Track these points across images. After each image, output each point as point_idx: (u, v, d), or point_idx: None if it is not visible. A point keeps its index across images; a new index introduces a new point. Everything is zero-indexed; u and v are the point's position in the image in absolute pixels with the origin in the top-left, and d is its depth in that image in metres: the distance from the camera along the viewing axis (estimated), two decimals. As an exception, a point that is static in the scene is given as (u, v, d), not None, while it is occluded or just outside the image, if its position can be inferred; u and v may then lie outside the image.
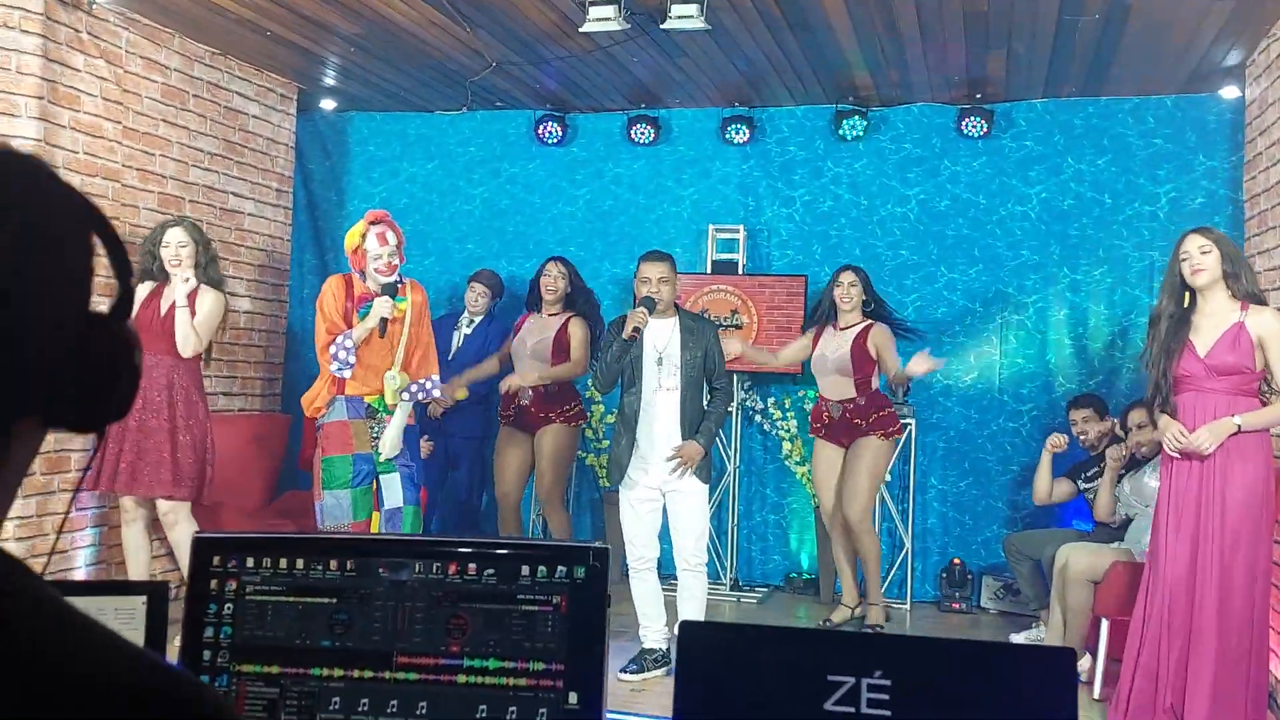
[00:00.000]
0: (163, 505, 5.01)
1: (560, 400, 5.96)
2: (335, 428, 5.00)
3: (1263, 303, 3.98)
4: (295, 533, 1.58)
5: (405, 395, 5.09)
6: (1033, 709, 1.20)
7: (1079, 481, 5.63)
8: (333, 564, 1.39)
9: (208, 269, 5.17)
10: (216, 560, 1.40)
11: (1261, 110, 5.50)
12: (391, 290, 4.95)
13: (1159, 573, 4.01)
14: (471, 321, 6.74)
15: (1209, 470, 3.91)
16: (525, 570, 1.37)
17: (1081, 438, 5.64)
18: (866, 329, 5.73)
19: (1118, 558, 4.84)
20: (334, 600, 1.39)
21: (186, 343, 5.03)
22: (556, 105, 7.22)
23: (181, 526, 5.03)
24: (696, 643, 1.27)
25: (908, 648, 1.26)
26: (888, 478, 6.26)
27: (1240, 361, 3.91)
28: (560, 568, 1.36)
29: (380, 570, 1.39)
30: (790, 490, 7.04)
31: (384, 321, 4.91)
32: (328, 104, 7.37)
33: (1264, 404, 3.93)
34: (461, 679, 1.35)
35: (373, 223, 5.03)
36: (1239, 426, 3.86)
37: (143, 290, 5.14)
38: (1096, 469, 5.51)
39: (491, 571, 1.37)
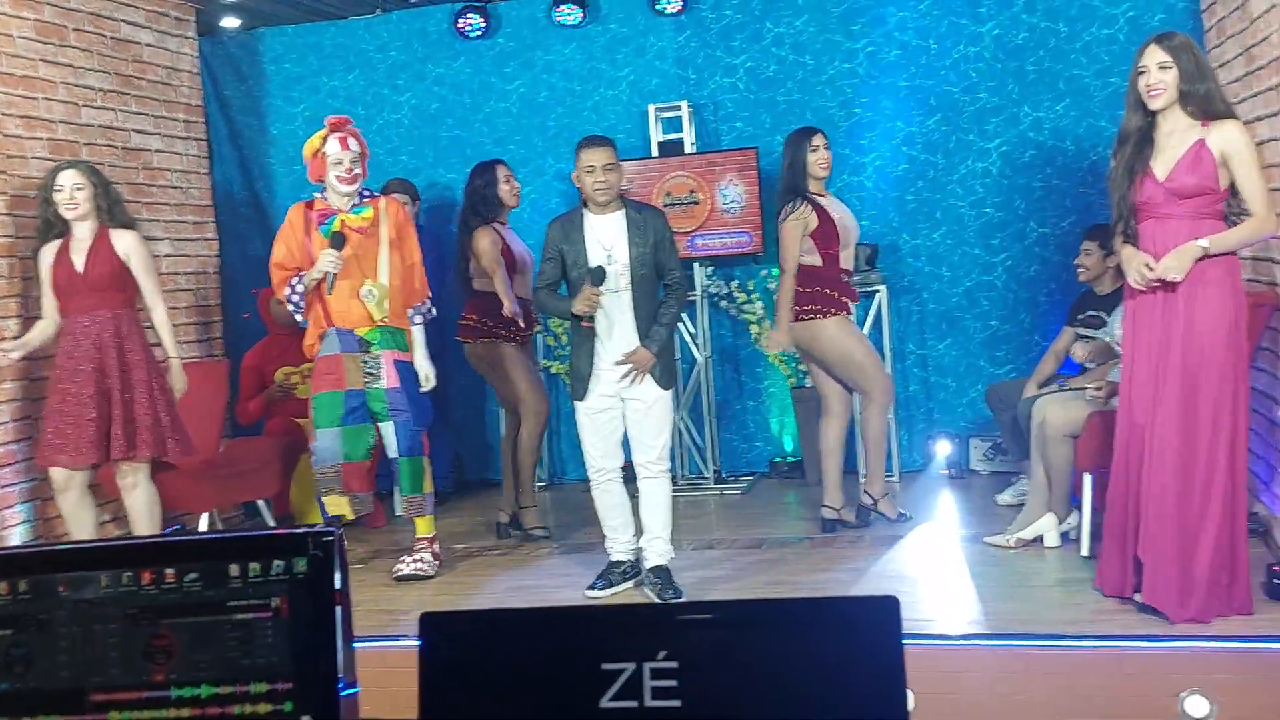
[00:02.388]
0: (121, 467, 4.76)
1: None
2: (326, 362, 4.74)
3: (1229, 116, 3.61)
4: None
5: (415, 317, 4.86)
6: (852, 666, 0.94)
7: (1076, 326, 5.31)
8: (2, 587, 1.12)
9: (112, 211, 4.83)
10: None
11: (1215, -91, 5.06)
12: (339, 241, 4.62)
13: (1124, 419, 3.75)
14: None
15: (1173, 303, 3.61)
16: (234, 570, 1.09)
17: (1082, 272, 5.30)
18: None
19: (1095, 408, 4.57)
20: (9, 631, 1.11)
21: (158, 309, 4.91)
22: (474, -5, 6.76)
23: (141, 489, 4.79)
24: (441, 638, 1.00)
25: (695, 620, 0.99)
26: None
27: (1202, 183, 3.57)
28: (276, 562, 1.08)
29: (60, 589, 1.11)
30: (766, 375, 6.78)
31: (332, 276, 4.61)
32: (230, 22, 6.92)
33: (1224, 223, 3.61)
34: (170, 713, 1.08)
35: (335, 127, 4.72)
36: (1205, 249, 3.54)
37: (48, 254, 4.81)
38: (1093, 312, 5.20)
39: (194, 576, 1.10)
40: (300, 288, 4.70)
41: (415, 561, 4.86)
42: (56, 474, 4.76)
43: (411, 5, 6.86)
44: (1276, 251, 4.25)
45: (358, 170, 4.72)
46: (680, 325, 6.50)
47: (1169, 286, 3.60)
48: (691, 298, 6.49)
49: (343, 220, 4.68)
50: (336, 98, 7.11)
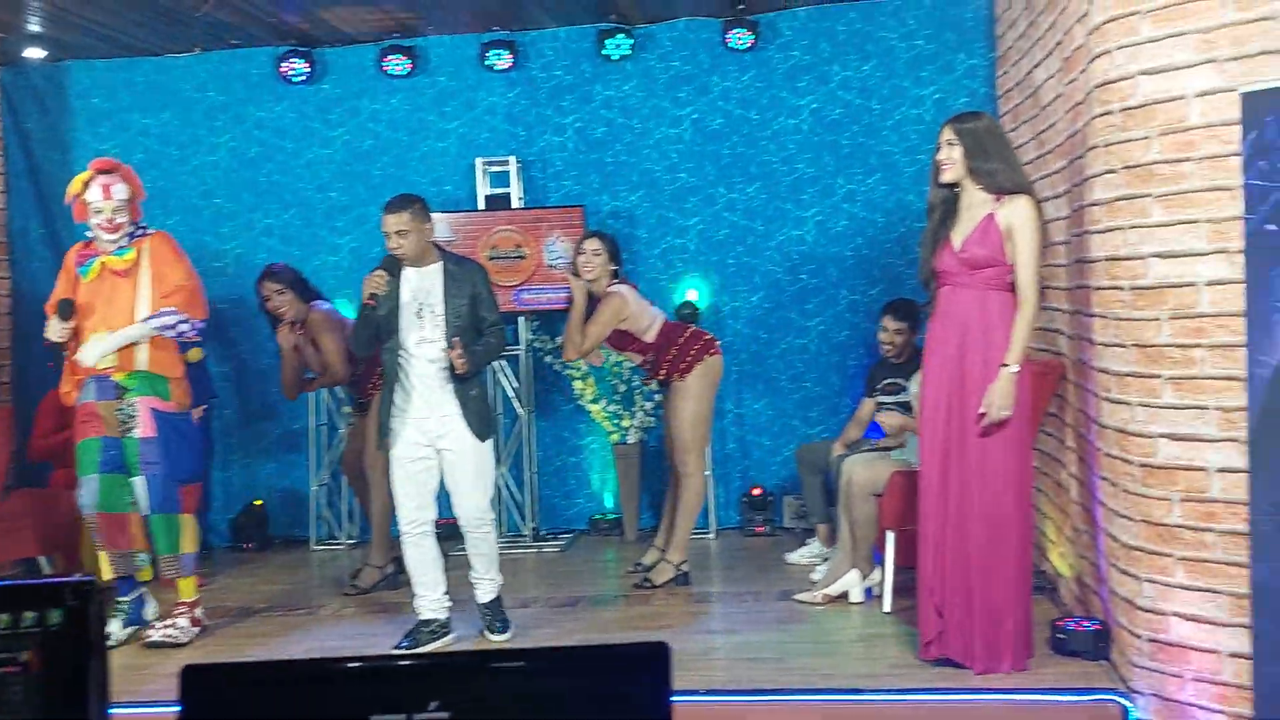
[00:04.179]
0: None
1: None
2: (84, 409, 4.53)
3: (1023, 192, 3.86)
4: None
5: (152, 323, 4.51)
6: (621, 712, 0.95)
7: (875, 395, 5.52)
8: None
9: None
10: None
11: (1009, 4, 5.44)
12: (67, 311, 4.45)
13: (922, 479, 3.93)
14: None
15: (958, 367, 3.84)
16: (-18, 621, 1.02)
17: (886, 348, 5.49)
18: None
19: (897, 468, 4.77)
20: None
21: None
22: (300, 40, 6.66)
23: None
24: (203, 694, 0.96)
25: (466, 670, 0.98)
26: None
27: (991, 255, 3.81)
28: (27, 614, 1.02)
29: None
30: (588, 431, 6.80)
31: (57, 344, 4.50)
32: (35, 53, 6.60)
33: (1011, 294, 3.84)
34: (-101, 777, 1.00)
35: (101, 171, 4.51)
36: (1013, 369, 3.76)
37: None
38: (890, 380, 5.41)
39: (-63, 627, 1.02)
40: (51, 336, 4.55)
41: (166, 627, 4.59)
42: None
43: (232, 45, 6.70)
44: (1061, 323, 4.54)
45: (120, 219, 4.53)
46: (503, 380, 6.49)
47: (964, 355, 3.81)
48: (515, 351, 6.49)
49: (103, 263, 4.53)
50: (149, 136, 6.87)
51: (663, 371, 5.28)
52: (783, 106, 6.50)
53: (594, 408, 6.62)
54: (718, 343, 5.40)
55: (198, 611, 4.72)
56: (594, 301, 5.27)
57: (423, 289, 4.42)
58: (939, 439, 3.88)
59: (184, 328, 4.59)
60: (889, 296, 5.88)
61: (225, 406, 6.71)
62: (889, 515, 4.67)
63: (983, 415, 3.76)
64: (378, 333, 4.44)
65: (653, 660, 0.96)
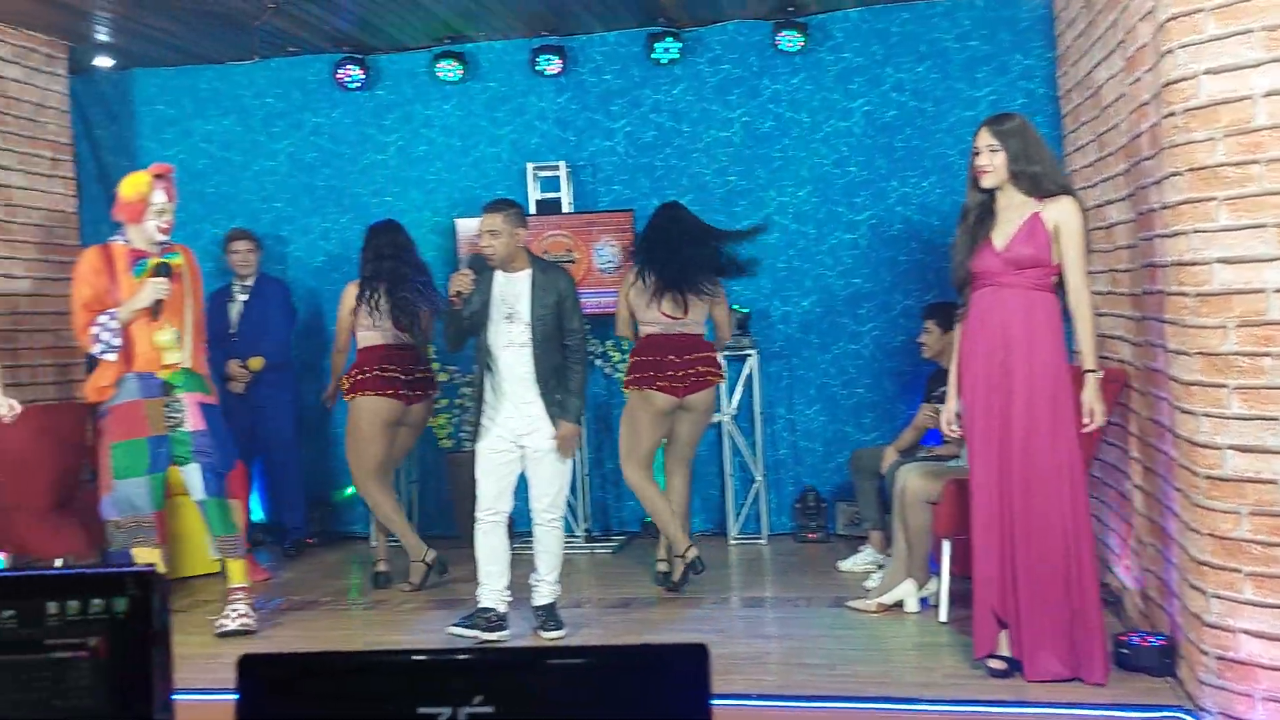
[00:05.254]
0: None
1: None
2: (125, 409, 4.59)
3: (1066, 193, 3.82)
4: None
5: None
6: (660, 713, 0.95)
7: (933, 402, 5.49)
8: None
9: None
10: None
11: (1067, 4, 5.36)
12: (166, 270, 4.56)
13: (974, 484, 3.88)
14: (246, 288, 6.33)
15: (1003, 371, 3.79)
16: (52, 608, 1.04)
17: (926, 351, 5.53)
18: None
19: (954, 476, 4.71)
20: None
21: None
22: (355, 47, 6.74)
23: None
24: (257, 681, 0.97)
25: (511, 665, 0.98)
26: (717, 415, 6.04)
27: (1037, 255, 3.77)
28: (95, 601, 1.04)
29: None
30: (638, 433, 6.79)
31: (159, 303, 4.55)
32: (104, 62, 6.75)
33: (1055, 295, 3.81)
34: (-26, 757, 1.02)
35: (158, 175, 4.65)
36: (1096, 373, 3.77)
37: None
38: (944, 388, 5.37)
39: (11, 613, 1.05)
40: (114, 324, 4.59)
41: (241, 616, 4.73)
42: None
43: (290, 53, 6.80)
44: (1124, 330, 4.46)
45: (173, 221, 4.73)
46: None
47: (1008, 357, 3.77)
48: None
49: (158, 264, 4.63)
50: (211, 142, 6.99)
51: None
52: (834, 109, 6.47)
53: (645, 412, 6.62)
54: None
55: (252, 596, 4.86)
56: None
57: (511, 294, 4.57)
58: (991, 444, 3.82)
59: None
60: (945, 300, 5.82)
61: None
62: (945, 524, 4.62)
63: (1053, 419, 3.72)
64: (464, 331, 4.64)
65: (692, 662, 0.96)
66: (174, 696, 1.05)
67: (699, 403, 5.33)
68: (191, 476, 4.67)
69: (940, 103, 6.33)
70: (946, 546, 4.60)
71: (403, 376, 5.50)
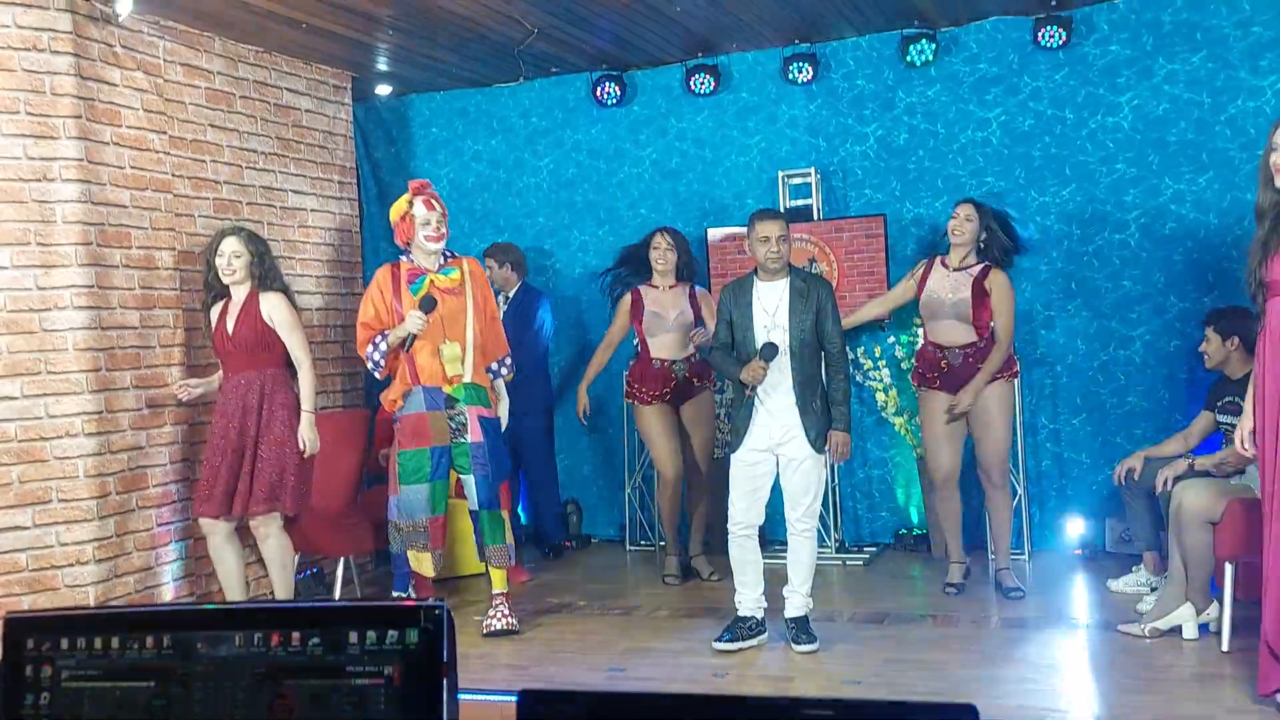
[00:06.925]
0: (253, 520, 5.02)
1: (703, 367, 5.87)
2: (412, 420, 4.93)
3: None
4: (110, 608, 1.42)
5: (501, 370, 5.11)
6: None
7: (1215, 412, 5.18)
8: (149, 642, 1.23)
9: (265, 277, 5.09)
10: (31, 643, 1.25)
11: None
12: (430, 304, 4.84)
13: (1266, 510, 3.60)
14: (506, 298, 6.63)
15: None
16: (353, 637, 1.18)
17: (1207, 359, 5.21)
18: (986, 269, 5.41)
19: (1237, 494, 4.40)
20: (152, 684, 1.22)
21: (302, 366, 5.07)
22: (613, 64, 6.97)
23: (272, 540, 5.04)
24: (536, 716, 1.06)
25: (777, 712, 1.02)
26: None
27: None
28: (391, 632, 1.16)
29: (200, 646, 1.22)
30: (892, 443, 6.70)
31: (412, 336, 4.85)
32: (383, 89, 7.28)
33: None
34: (288, 769, 1.17)
35: (416, 191, 4.96)
36: None
37: (214, 314, 5.12)
38: (1230, 398, 5.04)
39: (317, 640, 1.19)
40: (384, 346, 4.90)
41: (507, 617, 4.98)
42: (203, 520, 5.03)
43: (552, 73, 7.10)
44: None
45: (444, 229, 4.94)
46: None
47: None
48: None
49: (432, 281, 4.89)
50: (479, 161, 7.40)
51: None
52: (1100, 104, 6.15)
53: (897, 420, 6.53)
54: None
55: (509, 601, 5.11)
56: None
57: (771, 303, 4.65)
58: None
59: (508, 366, 5.19)
60: (1225, 304, 5.45)
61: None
62: (1226, 545, 4.32)
63: None
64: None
65: None
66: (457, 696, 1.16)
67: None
68: (469, 486, 4.96)
69: (1219, 94, 5.91)
70: (1229, 570, 4.31)
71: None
